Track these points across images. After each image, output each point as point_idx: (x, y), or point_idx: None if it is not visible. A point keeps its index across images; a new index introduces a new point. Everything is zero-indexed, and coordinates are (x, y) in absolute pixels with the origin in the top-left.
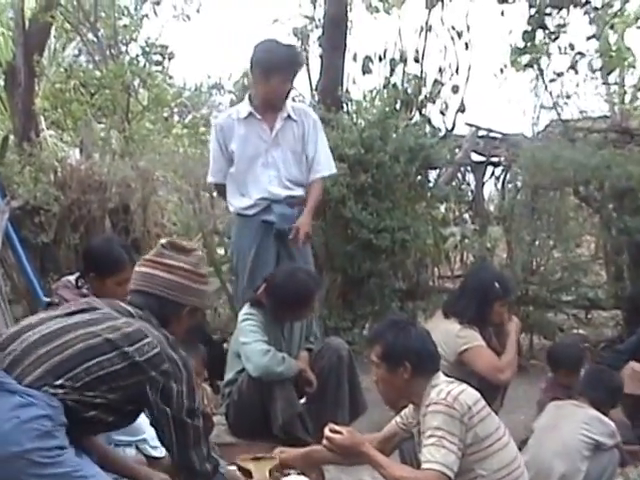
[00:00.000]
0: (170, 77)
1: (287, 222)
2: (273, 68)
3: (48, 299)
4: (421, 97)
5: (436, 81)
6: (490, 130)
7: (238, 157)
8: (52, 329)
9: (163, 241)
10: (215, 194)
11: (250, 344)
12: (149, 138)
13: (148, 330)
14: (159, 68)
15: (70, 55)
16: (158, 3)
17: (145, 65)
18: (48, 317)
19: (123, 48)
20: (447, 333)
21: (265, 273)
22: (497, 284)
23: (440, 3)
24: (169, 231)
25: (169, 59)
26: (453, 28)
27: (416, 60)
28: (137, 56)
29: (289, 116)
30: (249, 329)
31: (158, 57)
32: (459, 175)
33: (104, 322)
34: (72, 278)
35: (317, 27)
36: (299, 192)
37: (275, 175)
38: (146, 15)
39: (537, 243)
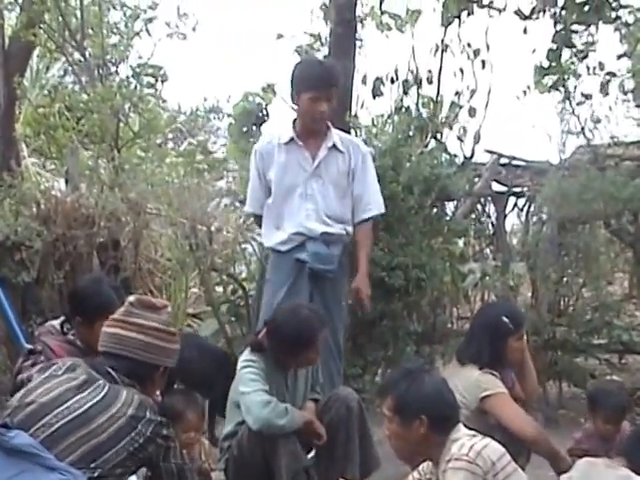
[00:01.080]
0: (164, 100)
1: (321, 262)
2: (302, 86)
3: (30, 346)
4: (437, 122)
5: (453, 104)
6: (512, 157)
7: (276, 186)
8: (75, 414)
9: (131, 298)
10: (213, 229)
11: (250, 394)
12: (141, 167)
13: (144, 399)
14: (152, 91)
15: (54, 76)
16: (151, 20)
17: (136, 87)
18: (58, 394)
19: (112, 69)
20: (467, 379)
21: None
22: (505, 318)
23: (457, 20)
24: (163, 268)
25: (162, 81)
26: (470, 46)
27: (431, 82)
28: (128, 78)
29: (335, 146)
30: (249, 377)
31: (150, 79)
32: (479, 207)
33: (117, 398)
34: (56, 323)
35: (323, 45)
36: (337, 229)
37: (313, 209)
38: (138, 33)
39: (565, 281)
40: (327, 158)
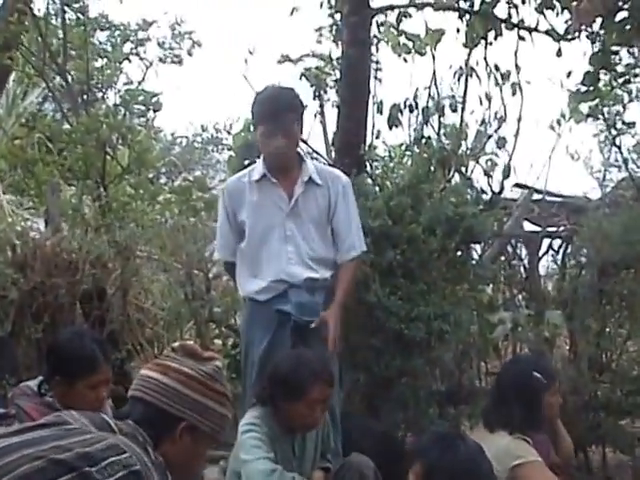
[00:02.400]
0: (157, 131)
1: (306, 313)
2: (255, 120)
3: (2, 410)
4: (461, 154)
5: (479, 134)
6: (546, 193)
7: (250, 229)
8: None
9: (176, 344)
10: (211, 275)
11: (252, 462)
12: (130, 206)
13: (127, 445)
14: (143, 120)
15: (33, 104)
16: (142, 42)
17: (125, 116)
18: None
19: (98, 95)
20: (496, 446)
21: None
22: (536, 373)
23: (483, 41)
24: (154, 319)
25: (155, 109)
26: (497, 70)
27: (454, 109)
28: (116, 105)
29: (311, 180)
30: (251, 443)
31: (141, 106)
32: (509, 249)
33: (57, 440)
34: (33, 384)
35: (334, 69)
36: (323, 274)
37: (294, 251)
38: (127, 57)
39: (607, 333)
40: (304, 194)
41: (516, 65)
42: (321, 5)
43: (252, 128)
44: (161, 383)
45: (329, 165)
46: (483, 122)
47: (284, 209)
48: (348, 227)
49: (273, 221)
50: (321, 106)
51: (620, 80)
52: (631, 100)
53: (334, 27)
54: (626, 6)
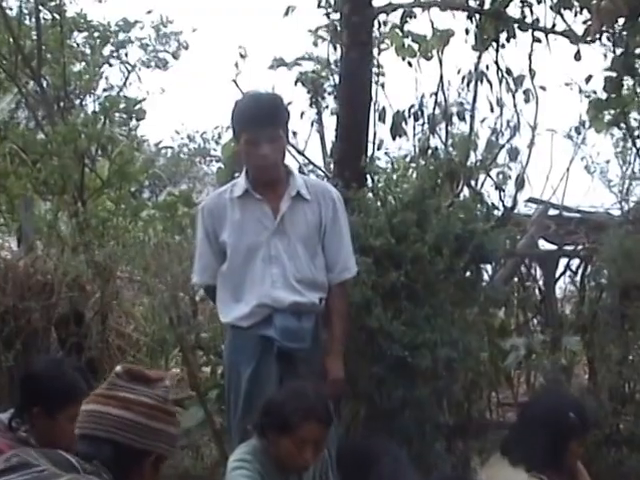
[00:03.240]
0: (139, 142)
1: (292, 339)
2: (238, 127)
3: None
4: (470, 166)
5: (490, 144)
6: (564, 208)
7: (232, 250)
8: None
9: (118, 368)
10: (198, 298)
11: None
12: (110, 223)
13: None
14: (125, 129)
15: (4, 111)
16: (123, 44)
17: (105, 125)
18: None
19: (76, 102)
20: None
21: None
22: (573, 414)
23: (495, 43)
24: (137, 345)
25: (138, 118)
26: (510, 74)
27: (463, 117)
28: (95, 113)
29: (300, 194)
30: None
31: (123, 114)
32: (523, 269)
33: None
34: (4, 417)
35: (332, 73)
36: (310, 297)
37: (279, 273)
38: (107, 60)
39: (629, 361)
40: (292, 210)
41: (530, 69)
42: (319, 4)
43: (235, 134)
44: (126, 420)
45: (326, 178)
46: (494, 131)
47: (269, 227)
48: (340, 247)
49: (257, 240)
50: (318, 114)
51: None
52: None
53: (332, 28)
54: None
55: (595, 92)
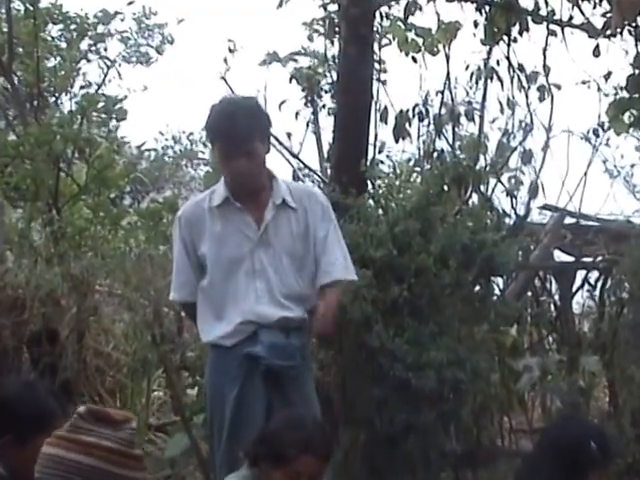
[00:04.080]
0: (120, 144)
1: (280, 356)
2: (212, 137)
3: None
4: (479, 170)
5: (501, 146)
6: (581, 216)
7: (212, 263)
8: None
9: (81, 409)
10: (184, 314)
11: None
12: (88, 232)
13: None
14: (104, 130)
15: None
16: (102, 38)
17: (83, 126)
18: None
19: (51, 100)
20: None
21: (252, 427)
22: (593, 444)
23: (506, 37)
24: (116, 366)
25: (118, 118)
26: (523, 71)
27: (471, 117)
28: (71, 113)
29: (285, 202)
30: None
31: (102, 115)
32: (536, 283)
33: None
34: None
35: (330, 70)
36: (299, 313)
37: (264, 288)
38: (85, 55)
39: None
40: (276, 219)
41: (545, 65)
42: None
43: (210, 143)
44: (86, 465)
45: (322, 183)
46: (506, 132)
47: (252, 238)
48: (329, 252)
49: (239, 253)
50: (314, 113)
51: None
52: None
53: (329, 20)
54: None
55: (616, 91)
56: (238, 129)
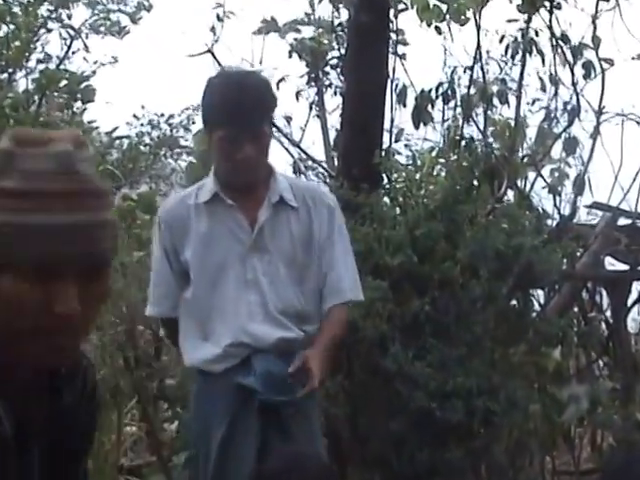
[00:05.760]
0: (86, 130)
1: (277, 389)
2: (211, 119)
3: None
4: (515, 162)
5: (542, 133)
6: (638, 216)
7: (197, 271)
8: None
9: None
10: (163, 333)
11: None
12: None
13: None
14: (67, 114)
15: None
16: (65, 4)
17: (41, 107)
18: None
19: (3, 77)
20: None
21: (242, 469)
22: None
23: (547, 2)
24: None
25: (85, 99)
26: (567, 42)
27: (506, 99)
28: (28, 92)
29: (283, 200)
30: None
31: (65, 95)
32: (584, 296)
33: None
34: None
35: (338, 42)
36: (300, 332)
37: (258, 302)
38: (44, 24)
39: None
40: (273, 220)
41: (594, 37)
42: None
43: (206, 127)
44: None
45: (329, 177)
46: (547, 117)
47: (244, 241)
48: (337, 264)
49: (228, 259)
50: (319, 94)
51: None
52: None
53: None
54: None
55: None
56: (247, 108)
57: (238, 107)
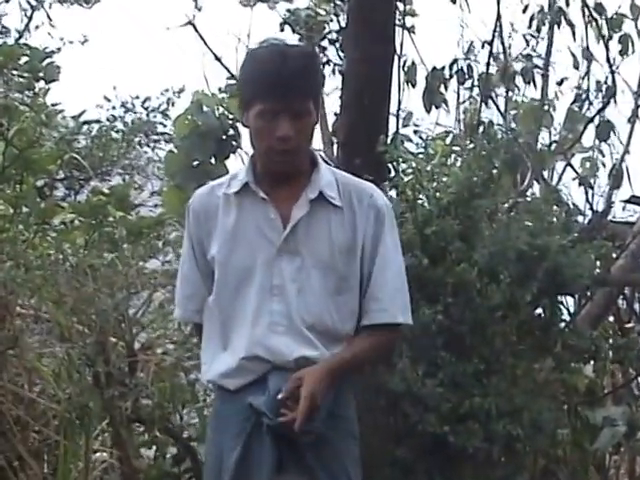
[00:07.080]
0: (49, 114)
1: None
2: (249, 93)
3: None
4: (541, 150)
5: (571, 116)
6: None
7: (220, 272)
8: None
9: None
10: (139, 346)
11: None
12: (6, 235)
13: None
14: (27, 95)
15: None
16: None
17: None
18: None
19: None
20: None
21: None
22: None
23: None
24: (44, 417)
25: (48, 79)
26: (600, 12)
27: (531, 78)
28: None
29: (323, 196)
30: None
31: (25, 74)
32: (620, 304)
33: None
34: None
35: (336, 13)
36: (325, 352)
37: (282, 312)
38: None
39: None
40: (310, 219)
41: (633, 6)
42: None
43: (243, 104)
44: None
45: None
46: (578, 98)
47: (273, 240)
48: (386, 277)
49: (254, 259)
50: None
51: None
52: None
53: None
54: None
55: None
56: (288, 78)
57: (278, 77)
